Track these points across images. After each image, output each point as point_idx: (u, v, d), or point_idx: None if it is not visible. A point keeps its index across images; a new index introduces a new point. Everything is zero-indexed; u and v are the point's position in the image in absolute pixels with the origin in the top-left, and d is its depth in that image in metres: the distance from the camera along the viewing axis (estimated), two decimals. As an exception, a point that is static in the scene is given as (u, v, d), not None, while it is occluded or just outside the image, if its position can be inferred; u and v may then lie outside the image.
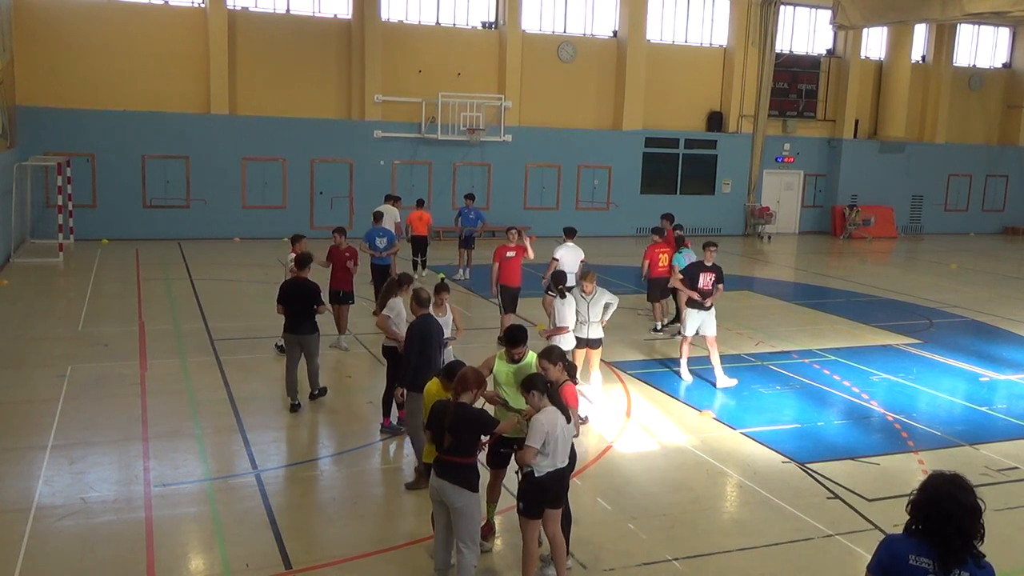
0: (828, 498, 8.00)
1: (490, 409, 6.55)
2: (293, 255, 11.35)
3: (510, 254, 13.07)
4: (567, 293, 10.22)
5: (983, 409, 10.94)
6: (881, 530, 7.24)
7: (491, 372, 6.84)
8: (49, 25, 22.38)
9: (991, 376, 12.46)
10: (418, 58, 25.53)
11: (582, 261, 13.58)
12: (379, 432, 9.34)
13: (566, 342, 9.83)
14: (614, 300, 10.22)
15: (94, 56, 22.79)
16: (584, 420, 7.61)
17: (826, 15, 27.23)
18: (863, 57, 30.51)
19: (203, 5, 23.54)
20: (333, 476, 8.38)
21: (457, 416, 5.81)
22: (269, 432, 9.39)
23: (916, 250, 27.97)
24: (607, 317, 10.26)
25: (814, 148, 30.69)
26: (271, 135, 24.27)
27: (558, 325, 10.08)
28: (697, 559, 6.80)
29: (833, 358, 13.10)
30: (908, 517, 3.70)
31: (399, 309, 9.00)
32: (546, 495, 5.93)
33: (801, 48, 30.38)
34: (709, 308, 11.43)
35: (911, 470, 8.81)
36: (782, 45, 29.61)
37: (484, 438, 6.12)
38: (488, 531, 6.78)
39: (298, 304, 10.01)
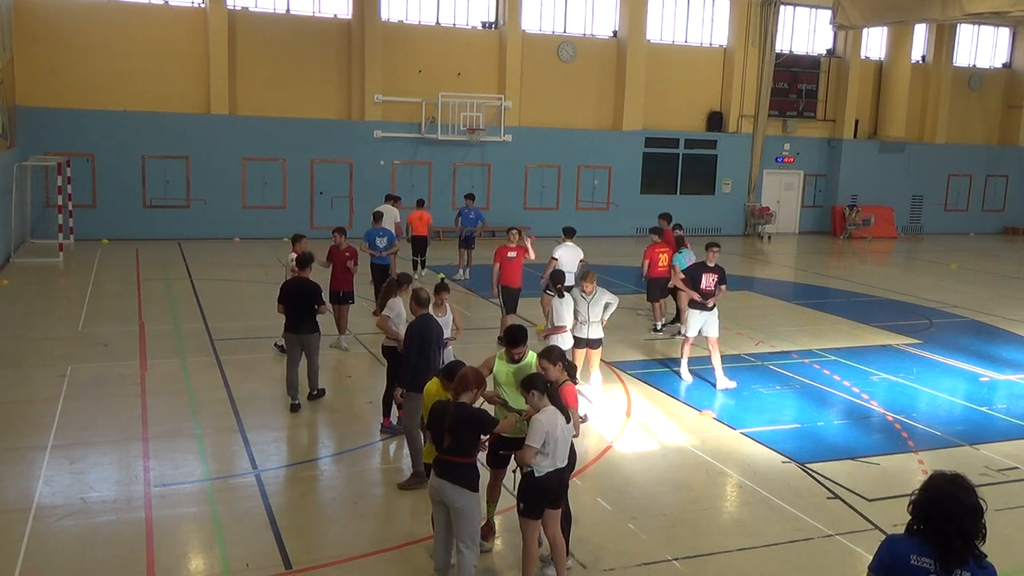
0: (828, 498, 8.00)
1: (490, 409, 6.54)
2: (294, 255, 11.36)
3: (511, 254, 13.07)
4: (565, 292, 10.23)
5: (983, 409, 10.94)
6: (881, 530, 7.23)
7: (491, 372, 6.84)
8: (49, 25, 22.38)
9: (991, 376, 12.46)
10: (418, 58, 25.53)
11: (581, 261, 13.58)
12: (379, 432, 9.34)
13: (564, 341, 9.84)
14: (614, 300, 10.22)
15: (94, 56, 22.79)
16: (584, 419, 7.61)
17: (826, 15, 27.23)
18: (863, 57, 30.52)
19: (203, 5, 23.54)
20: (333, 476, 8.38)
21: (457, 416, 5.81)
22: (269, 432, 9.39)
23: (916, 250, 27.97)
24: (607, 317, 10.26)
25: (814, 148, 30.69)
26: (271, 135, 24.27)
27: (556, 324, 10.09)
28: (697, 559, 6.80)
29: (833, 358, 13.10)
30: (909, 517, 3.70)
31: (399, 309, 9.00)
32: (546, 495, 5.93)
33: (801, 48, 30.38)
34: (712, 309, 11.42)
35: (911, 470, 8.81)
36: (782, 45, 29.62)
37: (484, 438, 6.12)
38: (488, 531, 6.78)
39: (299, 304, 10.01)
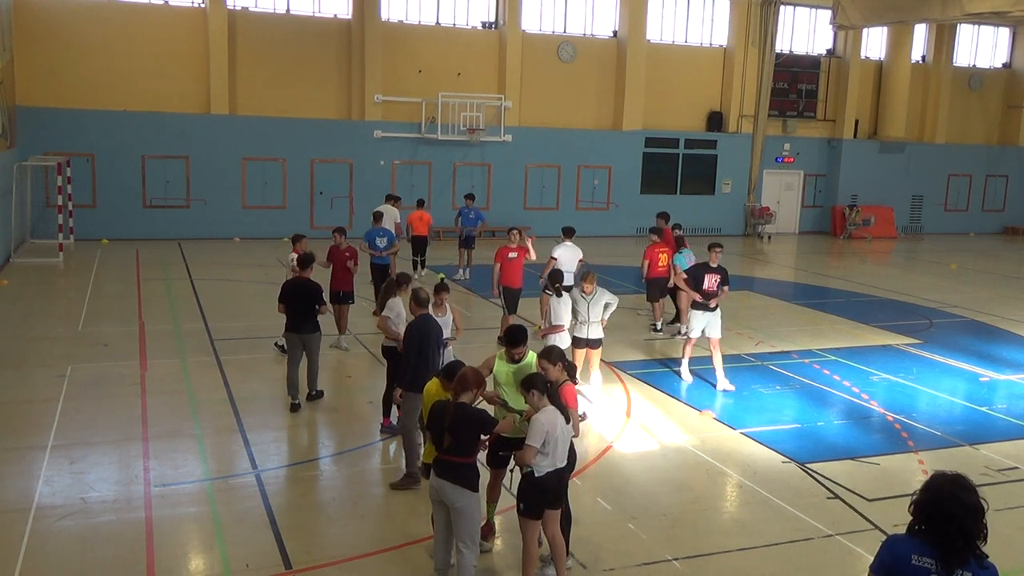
0: (828, 498, 8.00)
1: (490, 409, 6.54)
2: (295, 255, 11.36)
3: (512, 255, 13.07)
4: (563, 292, 10.21)
5: (983, 409, 10.94)
6: (881, 530, 7.23)
7: (491, 372, 6.84)
8: (49, 25, 22.38)
9: (991, 376, 12.46)
10: (418, 58, 25.53)
11: (580, 261, 13.58)
12: (379, 432, 9.34)
13: (561, 340, 9.84)
14: (614, 300, 10.21)
15: (94, 56, 22.79)
16: (583, 417, 7.61)
17: (826, 15, 27.23)
18: (863, 57, 30.51)
19: (203, 5, 23.54)
20: (333, 476, 8.38)
21: (457, 416, 5.81)
22: (269, 432, 9.39)
23: (916, 250, 27.97)
24: (607, 317, 10.26)
25: (814, 148, 30.69)
26: (271, 135, 24.27)
27: (553, 323, 10.08)
28: (697, 559, 6.80)
29: (833, 358, 13.10)
30: (910, 517, 3.70)
31: (398, 309, 8.99)
32: (546, 495, 5.93)
33: (801, 48, 30.38)
34: (714, 309, 11.40)
35: (911, 470, 8.81)
36: (782, 45, 29.62)
37: (484, 438, 6.12)
38: (488, 531, 6.78)
39: (300, 304, 10.02)
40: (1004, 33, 33.06)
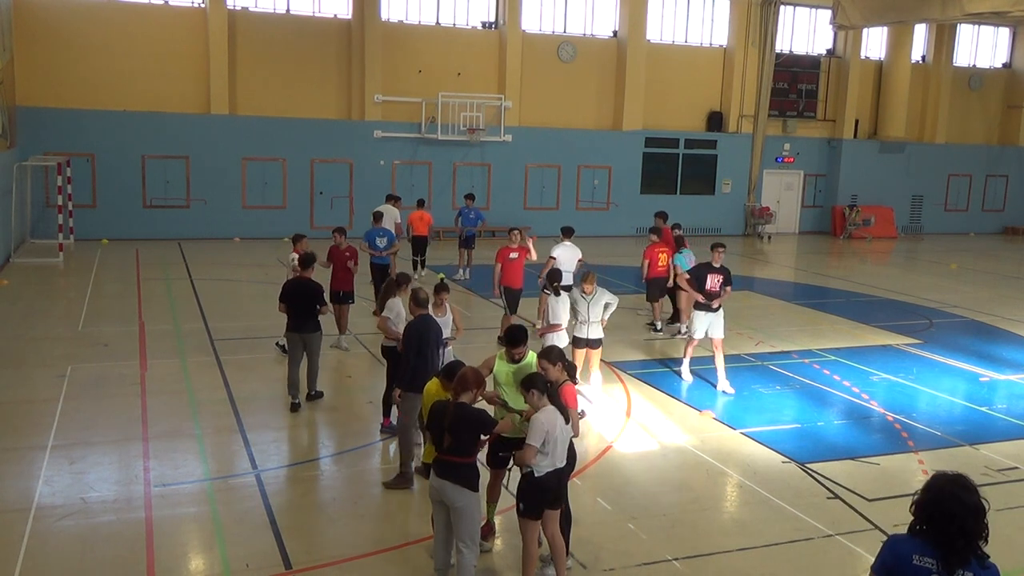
0: (828, 498, 8.00)
1: (490, 409, 6.54)
2: (295, 255, 11.36)
3: (513, 255, 13.07)
4: (562, 291, 10.20)
5: (983, 409, 10.94)
6: (881, 530, 7.23)
7: (491, 372, 6.84)
8: (49, 25, 22.38)
9: (991, 376, 12.46)
10: (418, 58, 25.52)
11: (580, 260, 13.58)
12: (379, 432, 9.34)
13: (559, 340, 9.83)
14: (614, 300, 10.21)
15: (94, 56, 22.79)
16: (582, 414, 7.61)
17: (826, 15, 27.22)
18: (863, 57, 30.51)
19: (203, 5, 23.54)
20: (333, 476, 8.38)
21: (457, 416, 5.81)
22: (269, 432, 9.39)
23: (916, 250, 27.97)
24: (607, 317, 10.26)
25: (814, 148, 30.69)
26: (271, 135, 24.27)
27: (551, 323, 10.07)
28: (697, 559, 6.80)
29: (833, 358, 13.10)
30: (911, 517, 3.70)
31: (398, 309, 8.99)
32: (546, 495, 5.93)
33: (801, 48, 30.38)
34: (717, 310, 11.38)
35: (911, 470, 8.81)
36: (782, 45, 29.61)
37: (484, 438, 6.12)
38: (488, 531, 6.77)
39: (301, 304, 10.02)
40: (1004, 33, 33.06)
